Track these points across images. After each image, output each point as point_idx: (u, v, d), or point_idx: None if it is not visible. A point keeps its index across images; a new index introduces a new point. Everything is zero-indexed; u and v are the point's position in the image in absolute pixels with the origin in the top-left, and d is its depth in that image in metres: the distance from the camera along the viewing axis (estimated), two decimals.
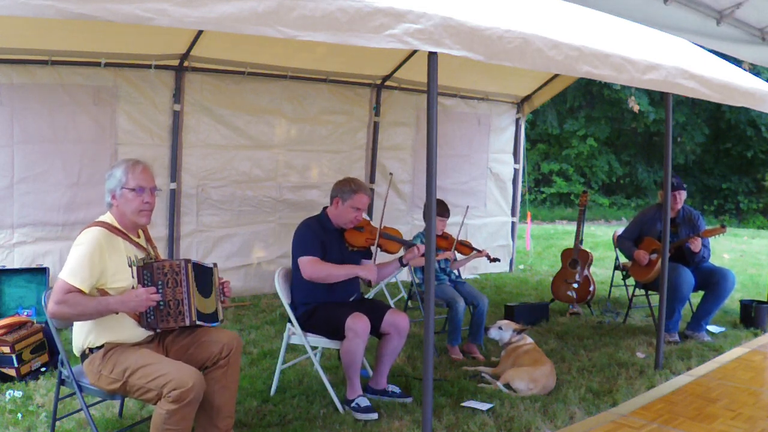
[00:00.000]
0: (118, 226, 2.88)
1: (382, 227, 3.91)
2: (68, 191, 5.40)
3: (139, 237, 2.99)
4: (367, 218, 3.99)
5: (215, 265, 3.08)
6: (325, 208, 3.96)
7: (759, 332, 5.59)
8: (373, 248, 3.90)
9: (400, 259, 3.91)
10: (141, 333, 2.86)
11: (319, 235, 3.78)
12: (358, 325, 3.51)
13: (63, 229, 5.37)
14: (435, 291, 3.43)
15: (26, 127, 5.17)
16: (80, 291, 2.64)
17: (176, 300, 2.79)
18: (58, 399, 3.11)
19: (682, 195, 5.48)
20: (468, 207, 5.77)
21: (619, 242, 5.77)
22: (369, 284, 3.82)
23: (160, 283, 2.77)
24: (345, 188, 3.82)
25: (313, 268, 3.67)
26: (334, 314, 3.64)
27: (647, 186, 19.47)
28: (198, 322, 2.87)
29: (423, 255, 3.94)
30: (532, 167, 19.58)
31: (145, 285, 2.75)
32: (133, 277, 2.78)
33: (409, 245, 3.92)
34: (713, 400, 3.91)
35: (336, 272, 3.70)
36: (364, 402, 3.59)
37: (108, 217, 2.90)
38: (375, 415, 3.52)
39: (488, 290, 7.22)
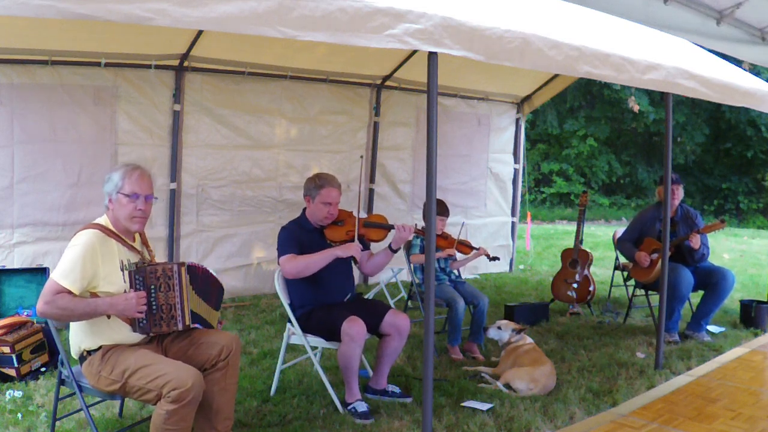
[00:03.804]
0: (113, 229, 2.87)
1: (364, 217, 3.86)
2: (68, 191, 5.40)
3: (134, 241, 2.98)
4: (349, 210, 3.96)
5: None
6: (304, 209, 3.92)
7: (759, 332, 5.59)
8: (353, 241, 3.76)
9: (390, 246, 3.78)
10: (135, 336, 2.85)
11: (296, 235, 3.75)
12: (353, 329, 3.49)
13: (63, 229, 5.37)
14: (435, 291, 3.42)
15: (26, 127, 5.17)
16: (70, 292, 2.64)
17: (169, 304, 2.78)
18: (58, 399, 3.10)
19: (680, 190, 5.46)
20: (463, 224, 5.65)
21: (620, 244, 5.76)
22: (355, 261, 3.72)
23: (152, 287, 2.76)
24: (311, 185, 3.78)
25: (290, 264, 3.62)
26: (330, 317, 3.62)
27: (647, 186, 19.48)
28: (192, 325, 2.87)
29: (415, 232, 3.80)
30: (532, 167, 19.59)
31: (137, 289, 2.74)
32: (125, 281, 2.77)
33: (392, 228, 3.77)
34: (713, 400, 3.91)
35: (313, 260, 3.61)
36: (361, 407, 3.58)
37: (104, 220, 2.90)
38: (372, 420, 3.52)
39: (488, 290, 7.22)
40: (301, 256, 3.65)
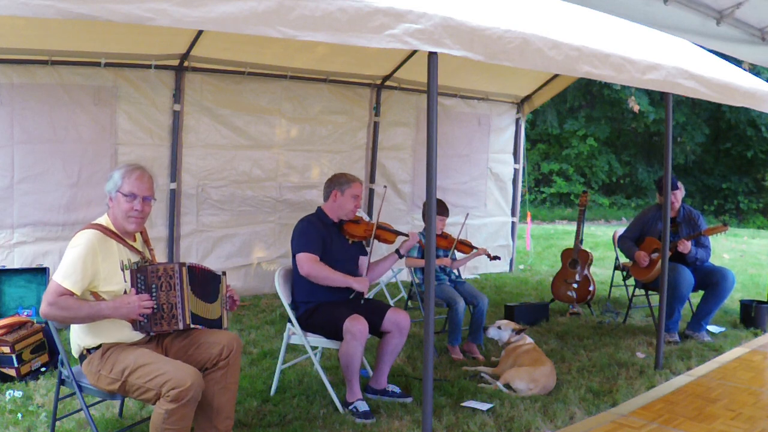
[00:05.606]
0: (113, 229, 2.89)
1: (377, 220, 4.02)
2: (68, 191, 5.39)
3: (135, 240, 2.99)
4: (360, 214, 4.10)
5: (224, 273, 3.12)
6: (319, 207, 4.03)
7: (759, 332, 5.59)
8: (370, 239, 3.98)
9: (397, 250, 4.02)
10: (136, 335, 2.86)
11: (320, 232, 3.84)
12: (355, 327, 3.51)
13: (63, 229, 5.37)
14: (435, 291, 3.43)
15: (26, 127, 5.17)
16: (72, 294, 2.65)
17: (170, 303, 2.79)
18: (58, 399, 3.11)
19: (679, 194, 5.47)
20: (468, 214, 5.80)
21: (620, 242, 5.76)
22: (361, 295, 3.86)
23: (153, 286, 2.77)
24: (341, 180, 3.99)
25: (311, 266, 3.71)
26: (334, 315, 3.65)
27: (647, 186, 19.46)
28: (193, 326, 2.86)
29: (420, 253, 4.02)
30: (532, 167, 19.58)
31: (138, 289, 2.75)
32: (126, 280, 2.77)
33: (404, 235, 4.07)
34: (713, 400, 3.91)
35: (332, 277, 3.74)
36: (362, 406, 3.58)
37: (104, 220, 2.92)
38: (373, 420, 3.52)
39: (488, 290, 7.22)
40: (324, 265, 3.73)
